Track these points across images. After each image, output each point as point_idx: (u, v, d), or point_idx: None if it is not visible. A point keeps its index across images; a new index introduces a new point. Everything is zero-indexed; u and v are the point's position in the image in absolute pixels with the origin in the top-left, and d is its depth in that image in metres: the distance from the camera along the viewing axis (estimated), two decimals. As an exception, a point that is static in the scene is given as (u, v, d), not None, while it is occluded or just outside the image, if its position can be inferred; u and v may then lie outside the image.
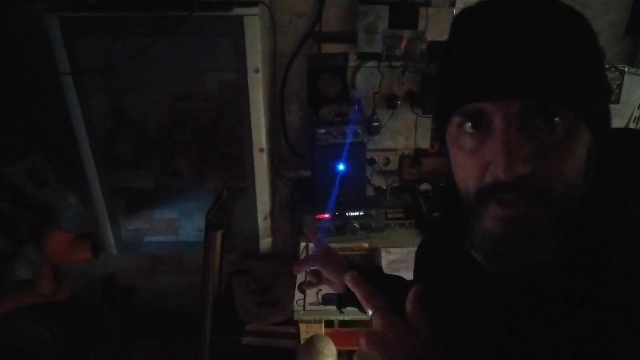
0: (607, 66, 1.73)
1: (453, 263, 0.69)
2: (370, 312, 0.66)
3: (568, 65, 0.52)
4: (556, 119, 0.52)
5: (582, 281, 0.56)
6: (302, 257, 1.83)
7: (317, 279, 1.07)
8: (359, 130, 1.72)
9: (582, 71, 0.54)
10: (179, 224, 1.93)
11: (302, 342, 1.81)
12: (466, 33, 0.57)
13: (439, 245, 0.75)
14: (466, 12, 0.59)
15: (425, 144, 1.97)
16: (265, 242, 1.85)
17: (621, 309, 0.54)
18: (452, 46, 0.59)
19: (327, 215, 1.79)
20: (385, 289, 0.82)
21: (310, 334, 1.79)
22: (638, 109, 1.80)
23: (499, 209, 0.54)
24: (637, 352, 0.53)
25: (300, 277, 1.73)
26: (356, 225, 1.80)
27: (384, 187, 2.03)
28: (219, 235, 1.69)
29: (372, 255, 1.86)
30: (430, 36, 1.69)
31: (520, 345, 0.59)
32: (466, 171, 0.58)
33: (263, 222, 1.80)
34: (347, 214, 1.81)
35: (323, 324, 1.77)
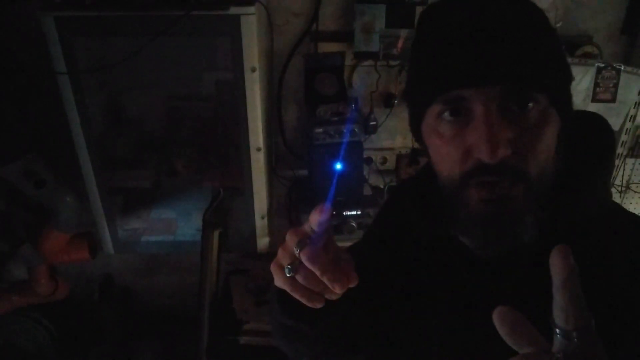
0: (603, 65, 1.74)
1: (431, 251, 0.69)
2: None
3: (540, 53, 0.55)
4: (530, 103, 0.55)
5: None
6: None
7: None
8: (356, 130, 1.72)
9: (550, 58, 0.57)
10: (176, 224, 1.93)
11: (299, 341, 1.81)
12: (441, 25, 0.58)
13: (405, 233, 0.74)
14: (435, 7, 0.61)
15: (422, 143, 1.97)
16: (262, 242, 1.84)
17: (604, 281, 0.57)
18: (426, 39, 0.61)
19: (324, 215, 1.79)
20: None
21: (308, 333, 1.79)
22: (634, 107, 1.81)
23: (483, 191, 0.56)
24: (623, 322, 0.55)
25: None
26: (354, 224, 1.80)
27: (382, 186, 2.03)
28: (216, 235, 1.69)
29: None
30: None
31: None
32: (448, 158, 0.59)
33: (260, 222, 1.80)
34: (344, 213, 1.81)
35: (321, 323, 1.77)
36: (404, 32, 1.69)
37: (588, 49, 1.77)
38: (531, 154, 0.55)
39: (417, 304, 0.69)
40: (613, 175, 1.85)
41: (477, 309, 0.63)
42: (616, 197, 1.94)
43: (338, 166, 1.72)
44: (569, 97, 0.61)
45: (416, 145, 1.96)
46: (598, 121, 0.66)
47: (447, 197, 0.61)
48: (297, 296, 0.56)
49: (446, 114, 0.57)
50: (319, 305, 0.56)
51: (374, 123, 1.86)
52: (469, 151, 0.56)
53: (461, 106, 0.56)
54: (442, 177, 0.61)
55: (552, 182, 0.58)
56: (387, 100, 1.86)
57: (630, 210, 2.06)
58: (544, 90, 0.55)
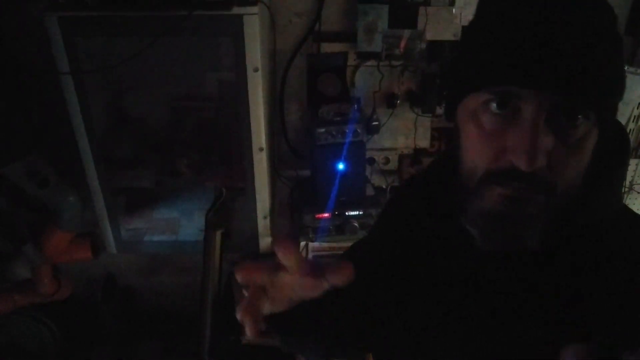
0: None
1: (437, 240, 0.69)
2: None
3: (606, 69, 0.53)
4: (579, 119, 0.53)
5: (565, 265, 0.59)
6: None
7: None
8: (359, 130, 1.72)
9: (614, 75, 0.55)
10: (178, 224, 1.93)
11: (302, 341, 1.81)
12: (511, 11, 0.54)
13: (420, 216, 0.74)
14: None
15: (424, 143, 1.97)
16: (265, 242, 1.85)
17: (612, 282, 0.57)
18: (491, 21, 0.57)
19: (327, 215, 1.79)
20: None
21: (310, 333, 1.79)
22: (637, 107, 1.80)
23: (503, 189, 0.55)
24: (630, 322, 0.55)
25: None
26: (356, 224, 1.80)
27: (384, 187, 2.03)
28: (218, 235, 1.69)
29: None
30: (429, 35, 1.69)
31: (499, 318, 0.61)
32: (480, 150, 0.57)
33: (263, 222, 1.80)
34: (346, 213, 1.81)
35: (323, 323, 1.77)
36: (406, 33, 1.69)
37: (591, 49, 1.77)
38: (564, 171, 0.54)
39: (423, 293, 0.69)
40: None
41: (479, 299, 0.63)
42: (619, 198, 1.94)
43: (340, 166, 1.72)
44: (614, 115, 0.59)
45: (418, 145, 1.96)
46: (615, 125, 0.64)
47: (464, 184, 0.60)
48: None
49: (493, 105, 0.55)
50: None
51: (377, 123, 1.86)
52: (504, 151, 0.54)
53: (510, 102, 0.54)
54: (465, 165, 0.60)
55: (574, 194, 0.57)
56: (390, 101, 1.86)
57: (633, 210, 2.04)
58: (597, 109, 0.53)
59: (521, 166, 0.52)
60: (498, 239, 0.57)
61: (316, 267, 0.51)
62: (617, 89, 0.56)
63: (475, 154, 0.58)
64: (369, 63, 1.82)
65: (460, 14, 1.66)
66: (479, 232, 0.59)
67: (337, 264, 0.51)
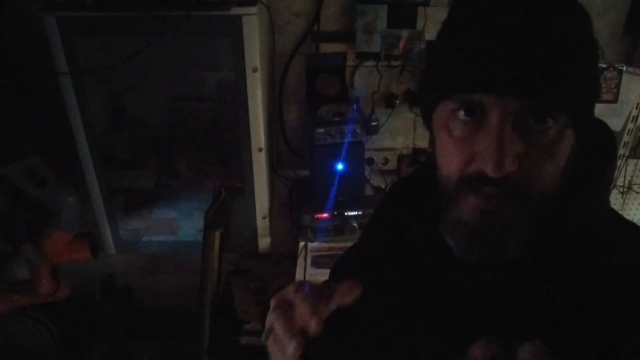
0: (605, 65, 1.73)
1: (421, 245, 0.68)
2: None
3: (572, 69, 0.52)
4: (549, 121, 0.53)
5: (549, 273, 0.58)
6: (300, 256, 1.83)
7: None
8: (358, 130, 1.72)
9: (583, 76, 0.54)
10: (177, 224, 1.93)
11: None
12: (473, 19, 0.54)
13: (403, 224, 0.73)
14: None
15: (423, 143, 1.97)
16: (264, 242, 1.85)
17: (596, 290, 0.56)
18: (458, 28, 0.57)
19: (326, 215, 1.79)
20: None
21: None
22: (636, 108, 1.80)
23: (478, 199, 0.55)
24: (612, 329, 0.55)
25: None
26: (355, 224, 1.80)
27: (383, 187, 2.03)
28: (217, 235, 1.69)
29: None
30: (428, 36, 1.69)
31: (481, 328, 0.60)
32: (451, 158, 0.57)
33: (262, 222, 1.80)
34: (345, 213, 1.81)
35: (322, 324, 1.77)
36: (405, 33, 1.69)
37: (590, 49, 1.77)
38: (537, 174, 0.54)
39: (404, 303, 0.69)
40: (615, 176, 1.84)
41: (462, 310, 0.62)
42: (618, 198, 1.93)
43: (339, 166, 1.72)
44: (591, 116, 0.58)
45: (418, 145, 1.96)
46: (601, 127, 0.63)
47: (442, 193, 0.60)
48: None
49: (461, 113, 0.55)
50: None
51: (376, 123, 1.86)
52: (474, 157, 0.54)
53: (477, 108, 0.54)
54: (441, 173, 0.60)
55: (554, 198, 0.56)
56: (389, 101, 1.86)
57: (632, 211, 2.03)
58: (567, 111, 0.53)
59: (489, 172, 0.52)
60: (475, 251, 0.57)
61: (324, 292, 0.53)
62: (587, 90, 0.55)
63: (448, 161, 0.58)
64: (368, 63, 1.82)
65: (459, 14, 1.66)
66: (456, 244, 0.59)
67: (341, 285, 0.53)
